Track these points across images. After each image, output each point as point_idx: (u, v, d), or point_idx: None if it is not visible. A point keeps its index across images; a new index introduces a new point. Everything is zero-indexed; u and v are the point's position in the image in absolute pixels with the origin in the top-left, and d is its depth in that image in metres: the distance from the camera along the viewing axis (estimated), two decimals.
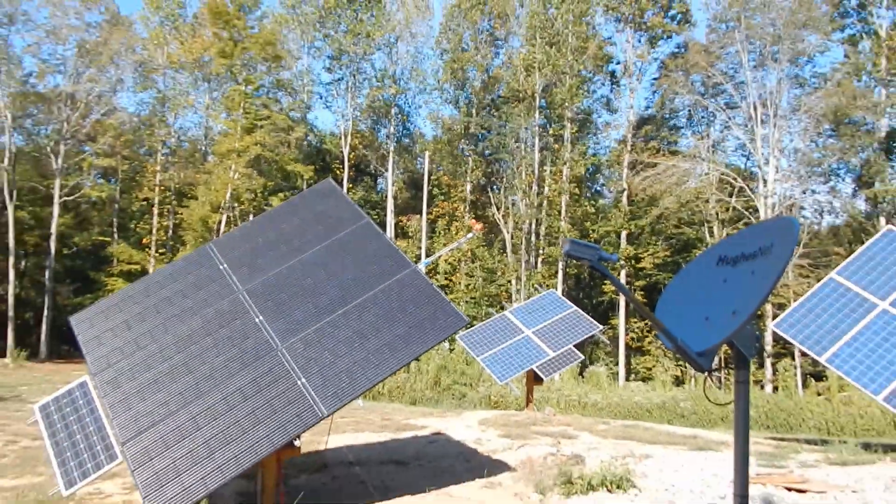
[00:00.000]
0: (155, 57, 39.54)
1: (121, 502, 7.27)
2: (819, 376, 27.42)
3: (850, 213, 34.30)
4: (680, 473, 7.22)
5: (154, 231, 37.92)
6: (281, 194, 36.06)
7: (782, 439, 13.37)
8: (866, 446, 11.13)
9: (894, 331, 10.11)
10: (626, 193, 37.29)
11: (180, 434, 5.95)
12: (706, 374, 2.92)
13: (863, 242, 12.18)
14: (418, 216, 38.93)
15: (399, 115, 42.52)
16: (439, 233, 39.32)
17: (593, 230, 37.26)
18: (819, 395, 22.45)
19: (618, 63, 40.18)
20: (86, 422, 6.70)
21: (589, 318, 16.32)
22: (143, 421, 6.09)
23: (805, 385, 28.44)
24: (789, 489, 6.46)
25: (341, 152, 40.18)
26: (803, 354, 25.14)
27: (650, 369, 33.63)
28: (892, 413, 10.02)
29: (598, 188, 44.01)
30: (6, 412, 13.54)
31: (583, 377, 26.98)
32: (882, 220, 30.40)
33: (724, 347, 2.94)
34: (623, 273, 35.58)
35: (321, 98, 44.05)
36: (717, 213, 34.34)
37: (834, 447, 10.41)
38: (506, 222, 38.37)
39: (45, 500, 7.11)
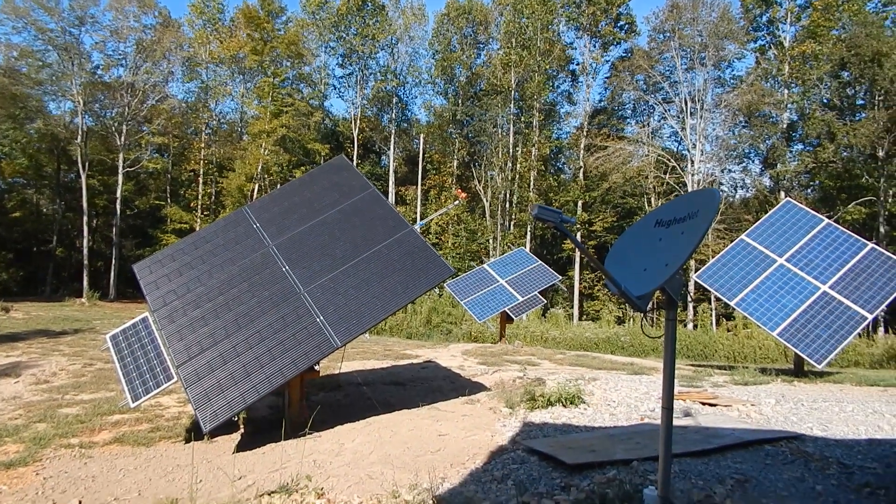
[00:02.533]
0: (199, 53, 38.60)
1: (176, 413, 7.32)
2: (729, 316, 27.88)
3: (758, 188, 34.52)
4: (620, 392, 7.32)
5: (200, 196, 37.53)
6: (303, 167, 35.56)
7: (699, 365, 13.62)
8: (763, 371, 11.37)
9: (788, 281, 10.25)
10: (582, 170, 37.14)
11: (223, 359, 5.96)
12: (643, 313, 2.93)
13: (766, 211, 12.23)
14: (414, 187, 38.70)
15: (399, 104, 41.85)
16: (431, 200, 39.13)
17: (556, 199, 37.17)
18: (728, 331, 22.80)
19: (577, 64, 39.62)
20: (147, 349, 6.70)
21: (551, 270, 16.39)
22: (194, 349, 6.10)
23: (718, 323, 28.93)
24: (703, 403, 6.59)
25: (352, 134, 39.62)
26: (717, 299, 25.53)
27: (598, 311, 33.98)
28: (784, 344, 10.18)
29: (560, 165, 43.67)
30: (84, 341, 13.53)
31: (545, 317, 27.20)
32: (782, 193, 30.61)
33: (658, 293, 2.94)
34: (579, 234, 35.62)
35: (335, 89, 43.15)
36: (654, 187, 34.35)
37: (738, 371, 10.61)
38: (485, 192, 38.17)
39: (116, 410, 7.15)
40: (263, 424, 6.68)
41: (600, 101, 41.04)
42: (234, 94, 40.11)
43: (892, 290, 9.62)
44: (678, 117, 34.32)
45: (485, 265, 17.02)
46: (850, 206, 28.21)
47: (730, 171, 35.38)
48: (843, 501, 3.49)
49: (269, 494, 4.08)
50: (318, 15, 39.76)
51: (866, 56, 27.11)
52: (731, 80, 34.72)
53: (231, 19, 40.51)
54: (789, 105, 31.45)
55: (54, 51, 31.86)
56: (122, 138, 33.88)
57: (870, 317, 9.51)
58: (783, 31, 32.35)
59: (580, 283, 35.84)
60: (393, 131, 40.79)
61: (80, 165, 32.19)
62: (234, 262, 6.96)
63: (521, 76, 36.42)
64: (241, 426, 6.66)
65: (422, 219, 33.68)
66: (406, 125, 43.50)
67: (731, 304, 10.35)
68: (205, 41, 38.64)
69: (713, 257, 11.55)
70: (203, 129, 39.16)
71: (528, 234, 36.34)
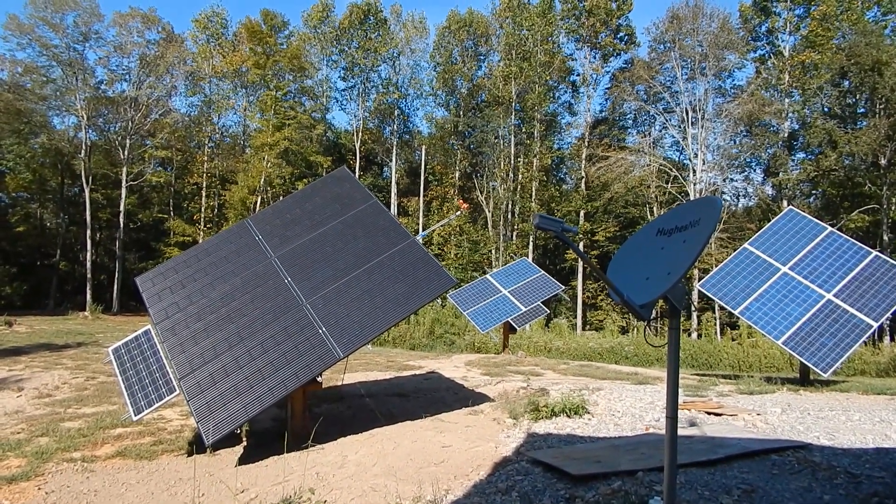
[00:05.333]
0: (202, 68, 39.00)
1: (179, 426, 7.29)
2: (733, 325, 27.66)
3: (760, 197, 34.52)
4: (624, 402, 7.27)
5: (203, 209, 37.70)
6: (305, 180, 35.66)
7: (704, 375, 13.54)
8: (768, 379, 11.28)
9: (792, 289, 10.21)
10: (584, 180, 37.22)
11: (226, 372, 5.95)
12: (646, 322, 2.92)
13: (769, 220, 12.21)
14: (416, 198, 38.78)
15: (400, 116, 42.11)
16: (433, 211, 39.21)
17: (558, 210, 37.18)
18: (733, 340, 22.62)
19: (577, 75, 39.84)
20: (150, 362, 6.69)
21: (554, 280, 16.38)
22: (196, 361, 6.08)
23: (722, 333, 28.74)
24: (708, 413, 6.55)
25: (354, 146, 39.84)
26: (721, 308, 25.41)
27: (602, 321, 33.89)
28: (789, 353, 10.12)
29: (562, 176, 43.76)
30: (87, 354, 13.51)
31: (548, 327, 27.06)
32: (784, 202, 30.61)
33: (661, 301, 2.93)
34: (581, 244, 35.63)
35: (337, 101, 43.53)
36: (656, 196, 34.37)
37: (743, 380, 10.53)
38: (487, 203, 38.23)
39: (118, 424, 7.13)
40: (266, 437, 6.64)
41: (601, 111, 41.26)
42: (237, 107, 40.44)
43: None
44: (679, 127, 34.42)
45: (487, 276, 17.00)
46: (853, 213, 28.19)
47: (732, 180, 35.47)
48: None
49: None
50: (320, 29, 40.14)
51: (866, 65, 27.21)
52: (732, 90, 34.91)
53: (234, 34, 40.95)
54: (790, 114, 31.54)
55: (58, 66, 32.24)
56: (126, 152, 34.13)
57: (875, 325, 9.46)
58: (782, 41, 32.61)
59: (583, 293, 35.77)
60: (395, 143, 40.99)
61: (83, 179, 32.41)
62: (236, 273, 6.96)
63: (522, 87, 36.62)
64: (244, 439, 6.63)
65: (424, 230, 33.71)
66: (408, 137, 43.72)
67: (735, 312, 10.31)
68: (208, 56, 39.04)
69: (716, 266, 11.52)
70: (206, 142, 39.41)
71: (531, 244, 36.34)
